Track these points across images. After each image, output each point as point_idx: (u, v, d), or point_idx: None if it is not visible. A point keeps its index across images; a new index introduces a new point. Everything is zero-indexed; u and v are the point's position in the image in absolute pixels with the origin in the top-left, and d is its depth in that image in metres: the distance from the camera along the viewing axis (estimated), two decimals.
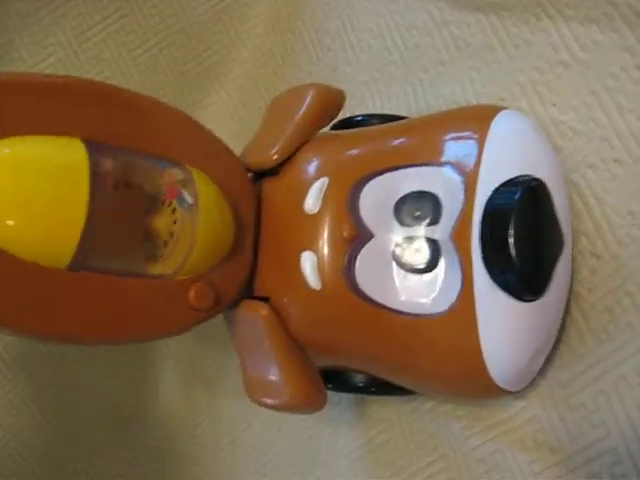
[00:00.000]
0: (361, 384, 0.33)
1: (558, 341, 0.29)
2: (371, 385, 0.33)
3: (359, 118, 0.36)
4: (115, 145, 0.28)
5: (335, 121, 0.35)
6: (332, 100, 0.34)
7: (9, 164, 0.26)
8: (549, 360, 0.29)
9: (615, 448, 0.28)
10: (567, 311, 0.29)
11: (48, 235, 0.26)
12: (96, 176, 0.27)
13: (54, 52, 0.48)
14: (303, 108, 0.33)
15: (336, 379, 0.34)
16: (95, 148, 0.27)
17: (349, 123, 0.35)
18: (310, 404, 0.31)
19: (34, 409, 0.50)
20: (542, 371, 0.30)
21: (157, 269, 0.29)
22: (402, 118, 0.34)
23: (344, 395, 0.38)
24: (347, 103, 0.40)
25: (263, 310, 0.31)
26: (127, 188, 0.28)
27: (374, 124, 0.34)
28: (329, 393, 0.33)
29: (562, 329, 0.29)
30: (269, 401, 0.31)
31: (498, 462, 0.31)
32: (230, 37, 0.50)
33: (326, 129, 0.34)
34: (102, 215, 0.27)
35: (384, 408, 0.36)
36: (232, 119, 0.50)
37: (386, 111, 0.38)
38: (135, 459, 0.52)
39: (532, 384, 0.30)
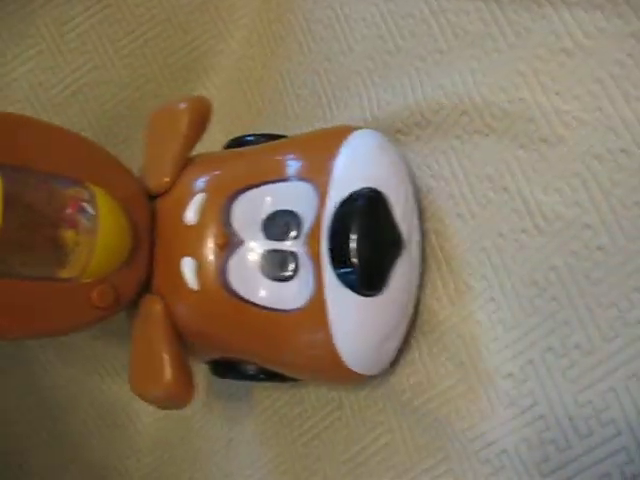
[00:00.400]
0: (252, 372, 0.38)
1: (565, 337, 0.29)
2: (260, 373, 0.37)
3: (250, 138, 0.40)
4: (25, 167, 0.32)
5: (228, 140, 0.40)
6: (203, 116, 0.38)
7: None
8: (557, 357, 0.29)
9: (626, 447, 0.27)
10: (564, 308, 0.29)
11: None
12: (8, 195, 0.30)
13: (36, 44, 0.47)
14: (181, 132, 0.37)
15: (231, 369, 0.38)
16: (7, 170, 0.31)
17: (241, 142, 0.40)
18: (179, 395, 0.35)
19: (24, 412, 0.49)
20: (548, 369, 0.29)
21: (64, 273, 0.33)
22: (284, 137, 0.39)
23: (344, 399, 0.37)
24: (341, 94, 0.40)
25: (158, 305, 0.35)
26: (34, 205, 0.32)
27: (262, 142, 0.39)
28: (330, 396, 0.36)
29: (570, 327, 0.29)
30: (147, 393, 0.35)
31: (504, 463, 0.30)
32: (218, 28, 0.49)
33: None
34: (14, 229, 0.31)
35: (382, 411, 0.35)
36: (220, 111, 0.49)
37: (381, 102, 0.37)
38: (125, 463, 0.51)
39: (540, 382, 0.29)
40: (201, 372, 0.42)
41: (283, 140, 0.38)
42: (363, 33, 0.39)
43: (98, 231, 0.33)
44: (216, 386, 0.46)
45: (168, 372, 0.34)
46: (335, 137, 0.34)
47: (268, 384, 0.42)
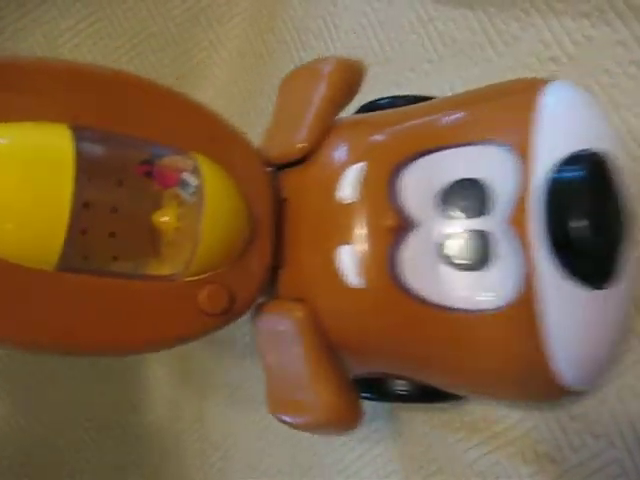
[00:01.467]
0: (403, 391, 0.30)
1: None
2: (414, 391, 0.30)
3: (384, 101, 0.33)
4: (109, 132, 0.26)
5: (357, 107, 0.33)
6: (352, 74, 0.31)
7: None
8: None
9: (620, 459, 0.27)
10: None
11: (29, 232, 0.23)
12: (85, 167, 0.24)
13: None
14: (322, 88, 0.30)
15: (374, 387, 0.31)
16: (86, 135, 0.25)
17: (373, 107, 0.32)
18: (343, 422, 0.27)
19: (16, 414, 0.49)
20: None
21: (160, 269, 0.27)
22: (428, 99, 0.31)
23: None
24: None
25: (298, 312, 0.28)
26: (119, 180, 0.26)
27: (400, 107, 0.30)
28: None
29: None
30: (296, 419, 0.28)
31: (498, 475, 0.30)
32: (209, 39, 0.49)
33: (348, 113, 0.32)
34: (94, 210, 0.25)
35: (377, 421, 0.35)
36: None
37: None
38: (118, 477, 0.51)
39: None
40: (191, 384, 0.42)
41: (456, 97, 0.30)
42: (353, 44, 0.39)
43: (204, 212, 0.26)
44: (210, 397, 0.46)
45: (327, 396, 0.27)
46: (528, 90, 0.26)
47: (419, 405, 0.34)
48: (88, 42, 0.47)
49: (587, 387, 0.26)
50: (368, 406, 0.35)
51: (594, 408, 0.28)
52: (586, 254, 0.23)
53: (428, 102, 0.30)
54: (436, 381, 0.28)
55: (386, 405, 0.35)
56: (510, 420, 0.30)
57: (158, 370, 0.47)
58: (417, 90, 0.35)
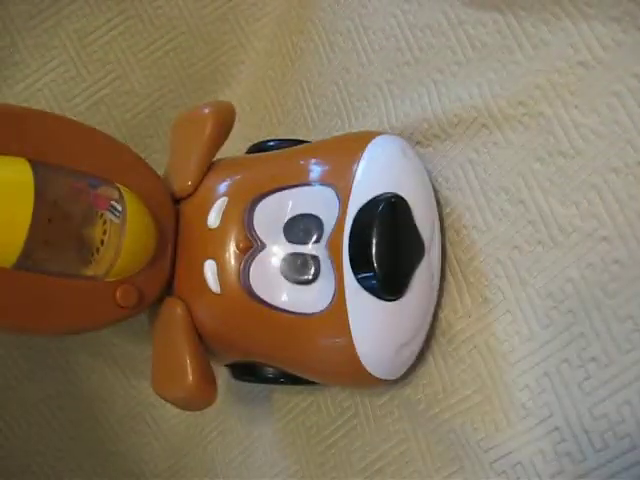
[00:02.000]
0: (271, 375, 0.38)
1: (581, 350, 0.29)
2: (279, 376, 0.38)
3: (271, 143, 0.40)
4: (55, 165, 0.33)
5: (250, 145, 0.41)
6: (225, 119, 0.38)
7: None
8: (573, 369, 0.29)
9: None
10: (580, 321, 0.29)
11: None
12: (38, 191, 0.31)
13: (58, 55, 0.47)
14: (203, 133, 0.37)
15: (250, 372, 0.39)
16: (38, 167, 0.32)
17: (263, 147, 0.40)
18: (201, 396, 0.35)
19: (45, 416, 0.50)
20: (564, 381, 0.29)
21: (90, 271, 0.34)
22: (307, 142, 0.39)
23: (360, 408, 0.38)
24: (360, 105, 0.40)
25: (179, 308, 0.36)
26: (64, 201, 0.33)
27: (284, 148, 0.38)
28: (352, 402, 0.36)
29: (585, 339, 0.29)
30: (169, 395, 0.35)
31: (519, 475, 0.30)
32: (238, 38, 0.50)
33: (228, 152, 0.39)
34: (42, 224, 0.31)
35: (398, 420, 0.35)
36: (240, 122, 0.49)
37: (399, 113, 0.38)
38: (142, 468, 0.51)
39: (556, 394, 0.29)
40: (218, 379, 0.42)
41: (306, 145, 0.38)
42: (382, 44, 0.39)
43: (126, 231, 0.33)
44: (232, 395, 0.46)
45: (190, 374, 0.34)
46: (358, 142, 0.34)
47: (286, 387, 0.42)
48: (119, 39, 0.48)
49: (389, 376, 0.33)
50: (389, 410, 0.36)
51: (617, 409, 0.28)
52: (377, 273, 0.31)
53: (286, 149, 0.38)
54: (283, 369, 0.36)
55: (408, 406, 0.35)
56: (533, 420, 0.30)
57: None
58: (445, 90, 0.35)
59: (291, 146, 0.38)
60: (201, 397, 0.35)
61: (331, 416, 0.39)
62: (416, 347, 0.33)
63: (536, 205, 0.31)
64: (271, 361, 0.37)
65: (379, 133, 0.34)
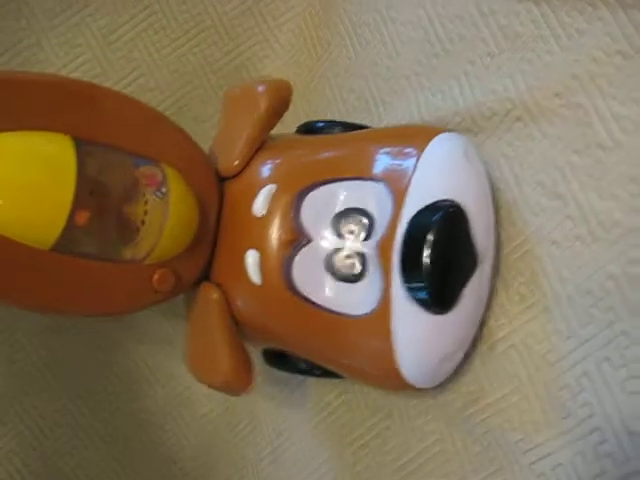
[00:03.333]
0: (304, 366, 0.37)
1: (623, 348, 0.28)
2: (312, 368, 0.37)
3: (321, 124, 0.39)
4: (98, 141, 0.32)
5: (300, 124, 0.39)
6: (281, 98, 0.36)
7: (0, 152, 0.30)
8: (614, 368, 0.28)
9: None
10: (621, 319, 0.28)
11: (36, 218, 0.30)
12: (81, 168, 0.30)
13: (82, 53, 0.47)
14: (256, 111, 0.36)
15: (284, 361, 0.38)
16: (81, 143, 0.31)
17: (311, 128, 0.38)
18: (238, 382, 0.34)
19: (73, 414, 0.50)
20: (605, 380, 0.28)
21: (128, 254, 0.33)
22: (362, 127, 0.37)
23: (393, 408, 0.37)
24: (389, 99, 0.40)
25: (215, 294, 0.35)
26: (107, 180, 0.32)
27: (335, 131, 0.37)
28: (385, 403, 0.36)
29: (628, 338, 0.28)
30: (205, 379, 0.35)
31: (559, 477, 0.30)
32: (262, 33, 0.49)
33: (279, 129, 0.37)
34: (84, 203, 0.30)
35: (433, 420, 0.35)
36: None
37: (430, 106, 0.37)
38: (171, 467, 0.51)
39: (596, 394, 0.28)
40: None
41: (363, 134, 0.36)
42: (410, 36, 0.38)
43: (169, 214, 0.32)
44: (262, 394, 0.46)
45: (226, 361, 0.34)
46: (418, 138, 0.32)
47: (317, 385, 0.42)
48: (143, 36, 0.47)
49: (425, 386, 0.32)
50: (424, 410, 0.35)
51: None
52: (427, 285, 0.29)
53: (339, 135, 0.37)
54: (322, 364, 0.35)
55: (443, 406, 0.34)
56: (573, 420, 0.29)
57: None
58: (477, 82, 0.34)
59: (341, 129, 0.37)
60: (238, 383, 0.34)
61: (363, 416, 0.39)
62: (458, 359, 0.32)
63: (574, 199, 0.30)
64: (306, 355, 0.36)
65: (442, 130, 0.32)
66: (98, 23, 0.47)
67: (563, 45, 0.31)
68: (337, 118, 0.43)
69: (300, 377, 0.41)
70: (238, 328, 0.35)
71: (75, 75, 0.47)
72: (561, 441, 0.30)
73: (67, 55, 0.47)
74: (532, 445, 0.30)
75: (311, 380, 0.41)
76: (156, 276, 0.34)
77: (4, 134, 0.30)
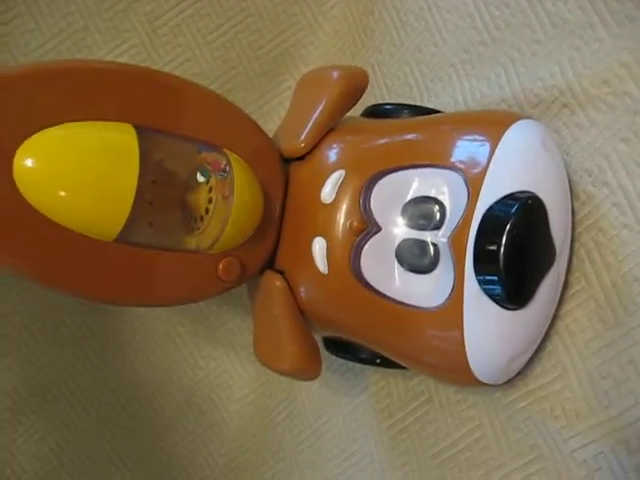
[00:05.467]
0: (365, 356, 0.37)
1: None
2: (375, 358, 0.36)
3: (389, 107, 0.37)
4: (159, 129, 0.31)
5: (367, 106, 0.38)
6: (356, 85, 0.35)
7: (63, 143, 0.29)
8: None
9: None
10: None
11: (100, 210, 0.30)
12: (143, 157, 0.30)
13: (129, 38, 0.47)
14: (329, 96, 0.34)
15: (345, 349, 0.38)
16: (143, 131, 0.30)
17: (378, 111, 0.37)
18: (306, 370, 0.34)
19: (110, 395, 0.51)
20: None
21: (192, 243, 0.32)
22: (432, 111, 0.36)
23: (433, 394, 0.37)
24: (434, 86, 0.39)
25: (278, 282, 0.35)
26: (170, 168, 0.32)
27: (403, 115, 0.36)
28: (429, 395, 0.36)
29: None
30: (272, 365, 0.35)
31: (601, 465, 0.29)
32: (307, 19, 0.49)
33: (354, 112, 0.36)
34: (148, 192, 0.30)
35: (473, 406, 0.35)
36: None
37: (476, 94, 0.37)
38: (209, 448, 0.52)
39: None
40: None
41: (435, 119, 0.35)
42: (456, 23, 0.38)
43: (233, 202, 0.32)
44: None
45: (292, 349, 0.34)
46: (495, 125, 0.31)
47: (358, 370, 0.42)
48: (188, 22, 0.48)
49: (495, 382, 0.31)
50: (464, 396, 0.35)
51: None
52: (502, 280, 0.28)
53: (410, 120, 0.35)
54: (387, 355, 0.34)
55: (484, 392, 0.34)
56: (616, 408, 0.29)
57: (249, 347, 0.49)
58: (523, 69, 0.34)
59: (409, 113, 0.36)
60: (306, 370, 0.34)
61: (403, 400, 0.39)
62: (529, 356, 0.31)
63: (621, 187, 0.30)
64: (371, 345, 0.35)
65: (520, 117, 0.31)
66: (145, 9, 0.47)
67: (612, 32, 0.31)
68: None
69: (341, 361, 0.42)
70: (303, 317, 0.35)
71: (122, 60, 0.47)
72: (604, 429, 0.29)
73: (114, 40, 0.47)
74: (574, 433, 0.30)
75: (352, 363, 0.41)
76: (221, 265, 0.33)
77: (70, 124, 0.29)
